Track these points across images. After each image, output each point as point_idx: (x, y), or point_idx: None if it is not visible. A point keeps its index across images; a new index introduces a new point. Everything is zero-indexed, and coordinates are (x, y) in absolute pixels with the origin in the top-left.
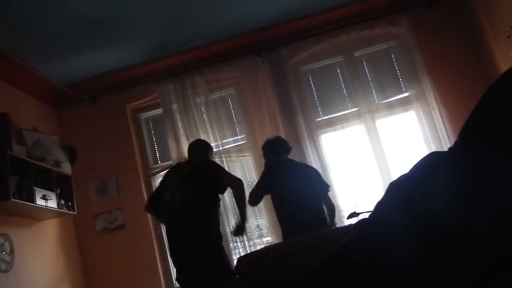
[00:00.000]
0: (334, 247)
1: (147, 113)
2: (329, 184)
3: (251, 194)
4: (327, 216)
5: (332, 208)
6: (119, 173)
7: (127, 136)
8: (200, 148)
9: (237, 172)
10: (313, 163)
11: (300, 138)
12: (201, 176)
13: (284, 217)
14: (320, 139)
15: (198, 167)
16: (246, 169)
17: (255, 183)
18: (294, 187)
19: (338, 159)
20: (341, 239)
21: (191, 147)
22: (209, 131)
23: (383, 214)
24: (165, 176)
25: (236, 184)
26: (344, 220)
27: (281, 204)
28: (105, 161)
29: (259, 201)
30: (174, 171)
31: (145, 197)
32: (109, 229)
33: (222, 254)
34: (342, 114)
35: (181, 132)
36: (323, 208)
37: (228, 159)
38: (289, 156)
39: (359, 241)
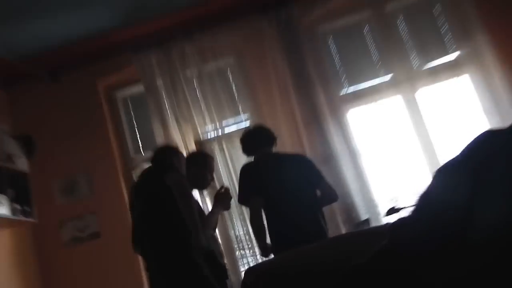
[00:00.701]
0: (361, 256)
1: (124, 90)
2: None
3: (250, 215)
4: (323, 224)
5: (330, 197)
6: (91, 167)
7: (100, 120)
8: (158, 159)
9: (241, 162)
10: (338, 147)
11: (320, 117)
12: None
13: (274, 223)
14: (345, 117)
15: (151, 193)
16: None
17: (238, 194)
18: (287, 186)
19: (370, 142)
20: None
21: (151, 158)
22: (205, 111)
23: (427, 211)
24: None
25: (193, 223)
26: (381, 217)
27: (272, 208)
28: (73, 153)
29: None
30: (131, 195)
31: (126, 197)
32: (79, 239)
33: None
34: (373, 85)
35: (169, 113)
36: (318, 214)
37: (229, 146)
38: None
39: (393, 251)
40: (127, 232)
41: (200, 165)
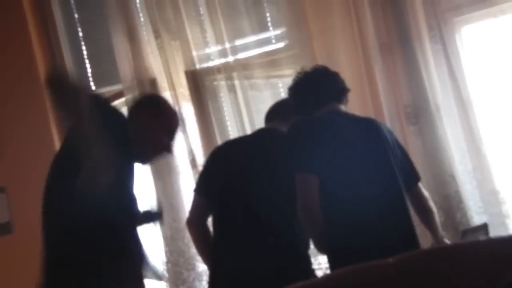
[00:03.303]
0: None
1: None
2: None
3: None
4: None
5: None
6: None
7: (16, 24)
8: None
9: (263, 109)
10: (439, 95)
11: (411, 39)
12: None
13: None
14: (456, 38)
15: None
16: None
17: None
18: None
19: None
20: None
21: None
22: (205, 21)
23: None
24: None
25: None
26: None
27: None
28: None
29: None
30: None
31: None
32: None
33: None
34: None
35: (142, 21)
36: (408, 212)
37: (247, 82)
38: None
39: None
40: None
41: (151, 121)
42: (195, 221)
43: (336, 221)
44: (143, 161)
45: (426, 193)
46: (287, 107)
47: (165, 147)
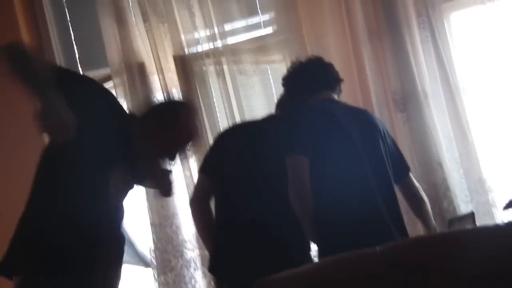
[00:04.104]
0: None
1: None
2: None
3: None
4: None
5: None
6: None
7: (4, 14)
8: None
9: (255, 98)
10: (427, 81)
11: (399, 25)
12: None
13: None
14: (445, 25)
15: None
16: (274, 91)
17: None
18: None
19: (481, 72)
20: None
21: None
22: (193, 4)
23: None
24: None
25: None
26: (496, 210)
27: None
28: None
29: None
30: None
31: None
32: None
33: None
34: None
35: (131, 4)
36: (397, 207)
37: (235, 67)
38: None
39: None
40: None
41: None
42: (198, 201)
43: (325, 206)
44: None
45: (417, 183)
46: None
47: (171, 157)
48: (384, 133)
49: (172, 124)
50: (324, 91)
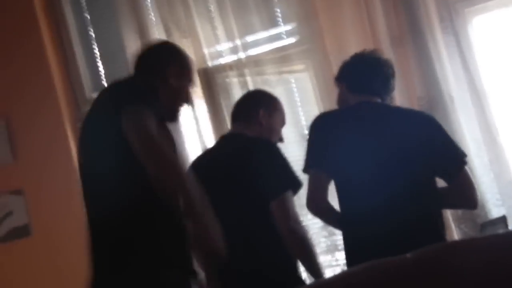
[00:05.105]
0: None
1: None
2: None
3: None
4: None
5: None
6: (12, 110)
7: (29, 26)
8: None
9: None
10: (452, 85)
11: (423, 30)
12: None
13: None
14: (468, 29)
15: None
16: (298, 100)
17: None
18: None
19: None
20: None
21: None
22: (216, 18)
23: None
24: None
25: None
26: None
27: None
28: None
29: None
30: None
31: (75, 162)
32: None
33: None
34: None
35: (153, 19)
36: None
37: (259, 78)
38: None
39: None
40: (78, 226)
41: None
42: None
43: (349, 214)
44: (172, 116)
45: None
46: (248, 106)
47: (188, 97)
48: (420, 137)
49: (181, 60)
50: (376, 96)
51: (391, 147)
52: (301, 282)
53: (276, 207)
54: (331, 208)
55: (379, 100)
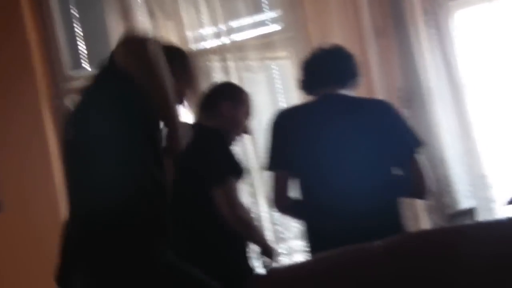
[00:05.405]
0: None
1: None
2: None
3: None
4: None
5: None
6: None
7: (10, 6)
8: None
9: (261, 94)
10: (433, 79)
11: (405, 23)
12: None
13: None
14: (450, 23)
15: None
16: (279, 87)
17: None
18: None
19: (484, 70)
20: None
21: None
22: (200, 2)
23: None
24: None
25: None
26: (497, 206)
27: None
28: None
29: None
30: None
31: (52, 143)
32: None
33: None
34: None
35: (137, 2)
36: (394, 203)
37: (241, 63)
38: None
39: None
40: (52, 203)
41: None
42: None
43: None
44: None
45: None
46: (212, 97)
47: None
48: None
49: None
50: (332, 86)
51: (352, 137)
52: (247, 270)
53: (220, 194)
54: (294, 204)
55: (340, 91)
